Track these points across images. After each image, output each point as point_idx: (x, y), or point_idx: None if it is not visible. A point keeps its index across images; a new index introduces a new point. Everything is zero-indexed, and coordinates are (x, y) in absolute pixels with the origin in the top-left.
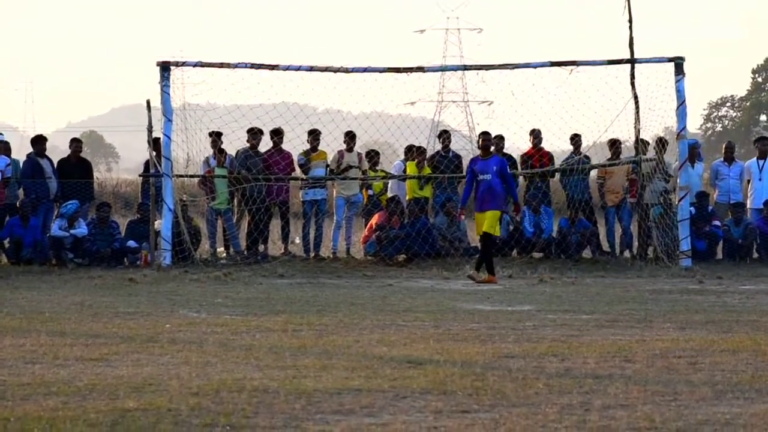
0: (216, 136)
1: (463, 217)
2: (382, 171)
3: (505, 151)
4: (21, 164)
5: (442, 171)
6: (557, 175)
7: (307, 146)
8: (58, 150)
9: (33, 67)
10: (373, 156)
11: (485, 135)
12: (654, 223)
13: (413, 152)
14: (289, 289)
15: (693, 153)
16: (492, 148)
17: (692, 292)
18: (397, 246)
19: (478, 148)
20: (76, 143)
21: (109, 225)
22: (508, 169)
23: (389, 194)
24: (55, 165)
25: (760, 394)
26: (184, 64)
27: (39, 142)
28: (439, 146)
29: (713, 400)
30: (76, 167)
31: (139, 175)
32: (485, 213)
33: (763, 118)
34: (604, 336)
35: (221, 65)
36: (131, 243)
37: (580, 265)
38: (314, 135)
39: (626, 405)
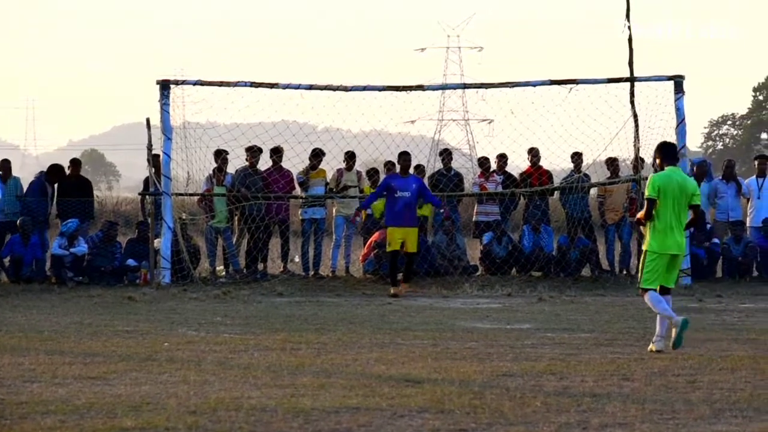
0: (217, 155)
1: (358, 219)
2: None
3: (506, 169)
4: (20, 182)
5: (442, 189)
6: (557, 194)
7: (307, 164)
8: None
9: (34, 85)
10: (373, 174)
11: (405, 155)
12: None
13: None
14: (288, 307)
15: (701, 171)
16: (411, 169)
17: (691, 310)
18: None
19: (400, 167)
20: (74, 164)
21: (113, 244)
22: (427, 188)
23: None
24: (56, 185)
25: (759, 413)
26: (183, 82)
27: (56, 173)
28: (440, 165)
29: (711, 419)
30: (76, 186)
31: (139, 194)
32: (408, 229)
33: (764, 136)
34: (602, 354)
35: (221, 84)
36: (130, 261)
37: (579, 284)
38: (314, 154)
39: (624, 423)
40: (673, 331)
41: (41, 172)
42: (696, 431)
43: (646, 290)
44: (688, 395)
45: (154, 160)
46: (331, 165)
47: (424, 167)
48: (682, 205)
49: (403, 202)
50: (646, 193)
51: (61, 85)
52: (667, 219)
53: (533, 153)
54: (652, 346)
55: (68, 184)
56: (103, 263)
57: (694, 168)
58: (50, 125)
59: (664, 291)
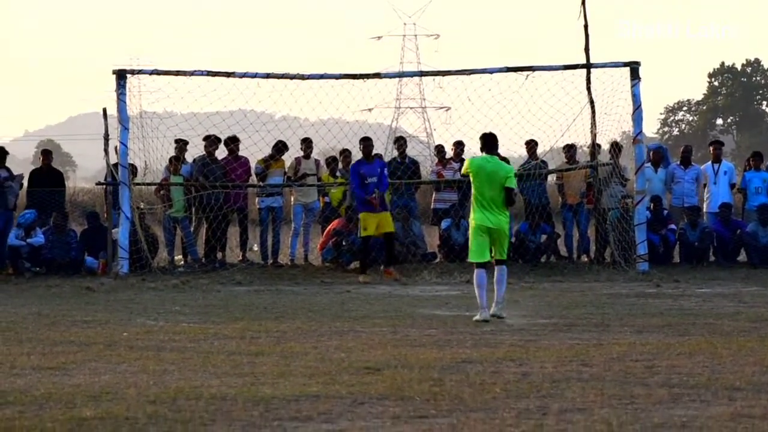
0: (178, 144)
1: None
2: (342, 178)
3: (463, 156)
4: None
5: (399, 177)
6: None
7: (265, 154)
8: (15, 159)
9: None
10: (331, 162)
11: (366, 141)
12: (611, 226)
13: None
14: (246, 296)
15: (657, 157)
16: (372, 152)
17: (649, 295)
18: (354, 252)
19: (363, 153)
20: (46, 154)
21: (67, 234)
22: (386, 172)
23: (347, 203)
24: (28, 175)
25: (717, 397)
26: (140, 72)
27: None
28: (395, 153)
29: (670, 403)
30: (48, 177)
31: (96, 183)
32: (379, 214)
33: (719, 121)
34: (561, 340)
35: (177, 73)
36: (89, 260)
37: (537, 270)
38: (278, 148)
39: (583, 409)
40: (480, 315)
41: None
42: (654, 416)
43: (475, 267)
44: (646, 380)
45: (115, 150)
46: (289, 153)
47: (381, 155)
48: (494, 189)
49: (374, 187)
50: (462, 169)
51: (17, 75)
52: (479, 199)
53: None
54: (480, 318)
55: (41, 175)
56: (60, 254)
57: (651, 154)
58: (5, 116)
59: (499, 262)
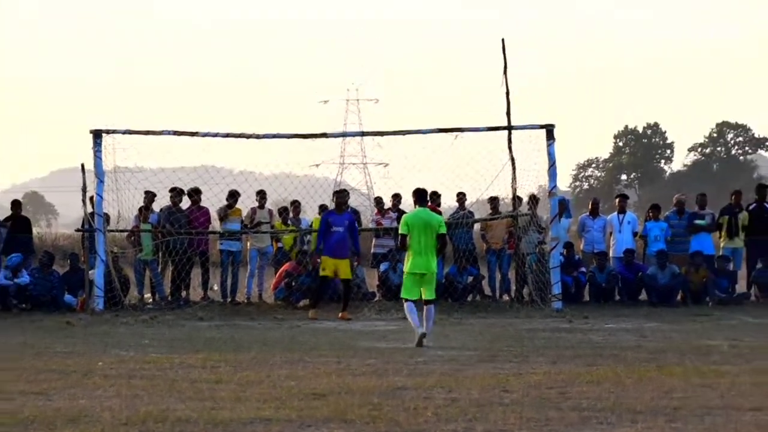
0: (151, 195)
1: (318, 260)
2: (292, 226)
3: (400, 207)
4: None
5: None
6: None
7: (224, 204)
8: (2, 208)
9: None
10: (282, 212)
11: (340, 193)
12: (529, 269)
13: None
14: (208, 330)
15: (561, 208)
16: (344, 206)
17: (562, 330)
18: (304, 292)
19: (335, 204)
20: (17, 205)
21: (50, 273)
22: (356, 225)
23: (297, 248)
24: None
25: (621, 419)
26: (114, 131)
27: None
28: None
29: (580, 425)
30: (20, 224)
31: (76, 230)
32: (341, 260)
33: (623, 177)
34: (486, 370)
35: (147, 132)
36: (69, 298)
37: (465, 308)
38: (231, 194)
39: (504, 430)
40: (417, 337)
41: None
42: None
43: (405, 300)
44: (559, 405)
45: (91, 201)
46: (246, 204)
47: (356, 210)
48: (428, 235)
49: (338, 236)
50: (399, 230)
51: (2, 133)
52: (415, 247)
53: None
54: (418, 336)
55: (13, 222)
56: (43, 293)
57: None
58: None
59: (427, 302)
